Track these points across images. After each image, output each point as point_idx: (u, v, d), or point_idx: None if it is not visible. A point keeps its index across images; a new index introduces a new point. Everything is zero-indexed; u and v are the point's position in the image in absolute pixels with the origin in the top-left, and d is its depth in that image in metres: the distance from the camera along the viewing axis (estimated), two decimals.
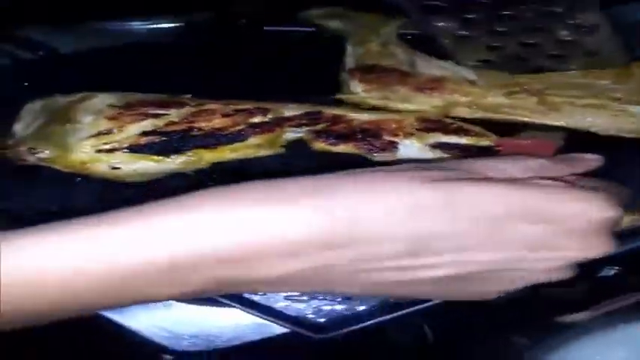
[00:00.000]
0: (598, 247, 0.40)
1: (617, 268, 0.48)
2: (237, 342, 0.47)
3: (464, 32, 0.59)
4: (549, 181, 0.41)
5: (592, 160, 0.45)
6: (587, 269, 0.45)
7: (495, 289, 0.41)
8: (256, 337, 0.47)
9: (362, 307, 0.47)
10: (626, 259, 0.49)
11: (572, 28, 0.57)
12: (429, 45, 0.61)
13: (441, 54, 0.62)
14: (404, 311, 0.46)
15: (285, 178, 0.38)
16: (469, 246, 0.38)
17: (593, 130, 0.57)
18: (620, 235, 0.41)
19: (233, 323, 0.48)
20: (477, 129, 0.56)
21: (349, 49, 0.64)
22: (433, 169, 0.40)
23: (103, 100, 0.57)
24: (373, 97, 0.59)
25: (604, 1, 0.55)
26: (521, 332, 0.49)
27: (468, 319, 0.48)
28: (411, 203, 0.37)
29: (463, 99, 0.59)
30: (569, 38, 0.58)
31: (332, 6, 0.71)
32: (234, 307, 0.47)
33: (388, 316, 0.46)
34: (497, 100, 0.59)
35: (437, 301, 0.45)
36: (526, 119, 0.58)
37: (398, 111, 0.58)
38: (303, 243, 0.36)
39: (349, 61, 0.63)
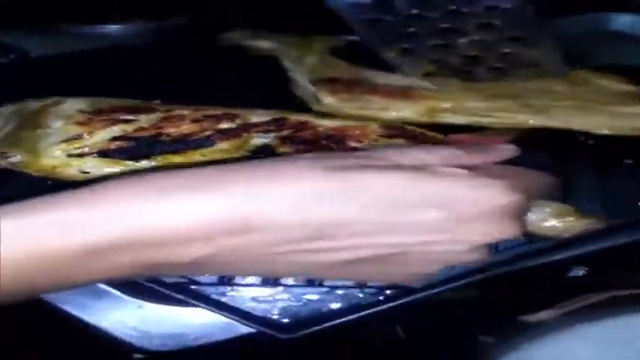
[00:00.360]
0: (503, 231, 0.42)
1: (585, 268, 0.50)
2: (206, 341, 0.49)
3: (406, 45, 0.60)
4: (455, 169, 0.43)
5: (506, 150, 0.48)
6: (555, 269, 0.48)
7: (411, 271, 0.44)
8: (225, 336, 0.49)
9: (329, 308, 0.49)
10: (593, 260, 0.50)
11: (511, 41, 0.59)
12: (362, 60, 0.64)
13: (384, 68, 0.64)
14: (369, 311, 0.47)
15: (193, 168, 0.41)
16: (374, 230, 0.40)
17: (584, 129, 0.58)
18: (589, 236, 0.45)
19: (202, 323, 0.49)
20: (439, 136, 0.57)
21: (289, 65, 0.66)
22: (336, 157, 0.43)
23: (72, 105, 0.58)
24: (350, 107, 0.61)
25: (547, 13, 0.57)
26: (489, 331, 0.51)
27: (436, 318, 0.50)
28: (312, 189, 0.40)
29: (445, 105, 0.60)
30: (508, 50, 0.60)
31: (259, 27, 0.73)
32: (201, 307, 0.48)
33: (354, 316, 0.47)
34: (479, 104, 0.60)
35: (403, 300, 0.47)
36: (513, 121, 0.59)
37: (377, 119, 0.60)
38: (211, 228, 0.38)
39: (300, 77, 0.64)
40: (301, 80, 0.64)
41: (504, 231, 0.43)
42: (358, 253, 0.41)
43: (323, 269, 0.42)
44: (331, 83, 0.62)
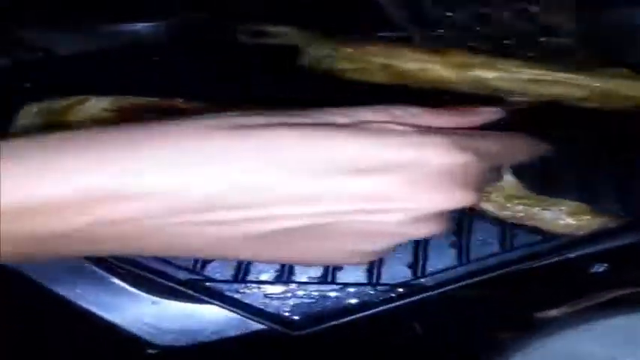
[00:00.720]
0: (452, 198, 0.36)
1: (605, 265, 0.49)
2: (218, 337, 0.49)
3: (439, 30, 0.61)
4: (393, 125, 0.37)
5: (487, 112, 0.42)
6: (573, 266, 0.48)
7: (350, 247, 0.38)
8: (237, 332, 0.49)
9: (341, 305, 0.49)
10: (613, 256, 0.50)
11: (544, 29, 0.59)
12: None
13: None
14: (381, 308, 0.48)
15: (79, 131, 0.35)
16: (291, 198, 0.34)
17: None
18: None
19: (215, 319, 0.49)
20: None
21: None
22: (252, 115, 0.36)
23: (96, 104, 0.59)
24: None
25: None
26: (505, 328, 0.50)
27: (452, 314, 0.50)
28: (202, 149, 0.34)
29: (476, 60, 0.60)
30: (543, 39, 0.59)
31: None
32: (214, 304, 0.49)
33: (365, 313, 0.48)
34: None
35: (416, 297, 0.48)
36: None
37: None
38: (83, 195, 0.33)
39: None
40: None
41: (454, 198, 0.36)
42: (280, 224, 0.35)
43: (236, 245, 0.36)
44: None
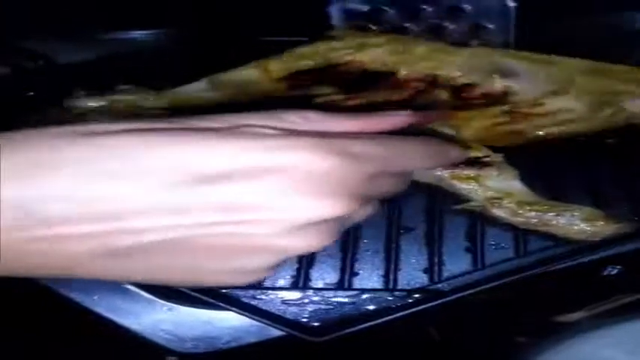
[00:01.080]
0: (320, 206, 0.33)
1: (618, 267, 0.49)
2: (237, 344, 0.49)
3: None
4: (258, 129, 0.34)
5: (396, 117, 0.39)
6: (589, 270, 0.48)
7: (216, 264, 0.34)
8: (256, 339, 0.49)
9: (358, 311, 0.49)
10: (626, 260, 0.50)
11: None
12: None
13: None
14: (399, 314, 0.48)
15: None
16: (141, 209, 0.31)
17: None
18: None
19: (233, 326, 0.49)
20: None
21: None
22: (121, 122, 0.34)
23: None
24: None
25: None
26: (522, 332, 0.50)
27: (470, 319, 0.50)
28: (48, 160, 0.31)
29: None
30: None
31: None
32: (232, 310, 0.49)
33: (383, 319, 0.48)
34: None
35: (434, 303, 0.48)
36: None
37: None
38: None
39: None
40: None
41: (324, 206, 0.33)
42: (131, 239, 0.32)
43: (85, 263, 0.32)
44: None
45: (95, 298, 0.49)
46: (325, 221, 0.34)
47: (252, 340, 0.49)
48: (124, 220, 0.31)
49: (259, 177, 0.32)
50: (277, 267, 0.35)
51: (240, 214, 0.32)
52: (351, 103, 0.62)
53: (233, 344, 0.49)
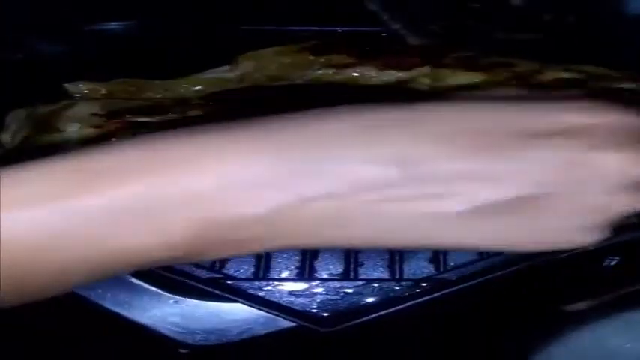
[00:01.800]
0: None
1: (617, 258, 0.50)
2: (247, 336, 0.49)
3: None
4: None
5: None
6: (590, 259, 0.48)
7: (557, 224, 0.34)
8: (266, 330, 0.49)
9: (366, 301, 0.49)
10: (626, 250, 0.50)
11: None
12: None
13: None
14: (409, 303, 0.48)
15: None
16: (474, 171, 0.33)
17: None
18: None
19: (243, 317, 0.49)
20: None
21: None
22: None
23: (84, 108, 0.57)
24: None
25: None
26: (525, 321, 0.51)
27: (472, 308, 0.51)
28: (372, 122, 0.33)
29: None
30: None
31: None
32: (241, 302, 0.48)
33: (392, 309, 0.48)
34: None
35: (442, 292, 0.48)
36: None
37: None
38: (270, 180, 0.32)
39: None
40: None
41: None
42: (466, 201, 0.33)
43: (442, 225, 0.34)
44: None
45: (99, 291, 0.49)
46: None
47: (263, 331, 0.49)
48: (463, 181, 0.33)
49: (581, 134, 0.33)
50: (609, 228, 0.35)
51: (574, 172, 0.33)
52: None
53: (244, 336, 0.49)
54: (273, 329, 0.49)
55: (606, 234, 0.35)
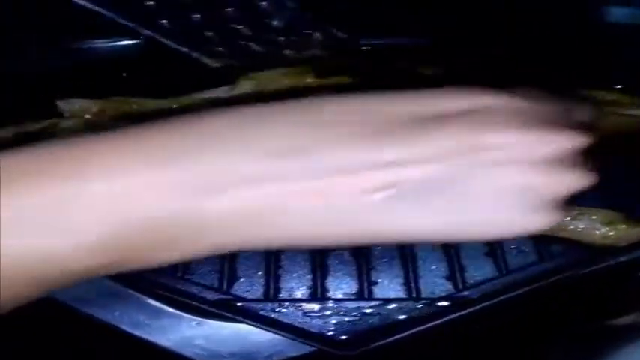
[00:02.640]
0: (567, 138, 0.34)
1: None
2: (278, 358, 0.46)
3: None
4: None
5: None
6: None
7: (494, 207, 0.33)
8: (297, 352, 0.46)
9: (386, 322, 0.47)
10: None
11: None
12: None
13: None
14: (432, 323, 0.46)
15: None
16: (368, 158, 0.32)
17: None
18: None
19: (267, 339, 0.47)
20: None
21: None
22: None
23: (69, 125, 0.55)
24: None
25: None
26: (564, 339, 0.49)
27: (502, 327, 0.49)
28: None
29: None
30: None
31: None
32: (251, 324, 0.45)
33: (417, 329, 0.46)
34: None
35: (468, 310, 0.46)
36: None
37: None
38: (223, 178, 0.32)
39: None
40: None
41: (569, 136, 0.34)
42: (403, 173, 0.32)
43: (369, 212, 0.33)
44: None
45: (116, 314, 0.46)
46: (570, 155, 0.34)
47: (293, 353, 0.46)
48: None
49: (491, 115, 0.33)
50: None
51: (474, 154, 0.32)
52: None
53: (274, 359, 0.45)
54: (304, 351, 0.46)
55: (561, 215, 0.34)
